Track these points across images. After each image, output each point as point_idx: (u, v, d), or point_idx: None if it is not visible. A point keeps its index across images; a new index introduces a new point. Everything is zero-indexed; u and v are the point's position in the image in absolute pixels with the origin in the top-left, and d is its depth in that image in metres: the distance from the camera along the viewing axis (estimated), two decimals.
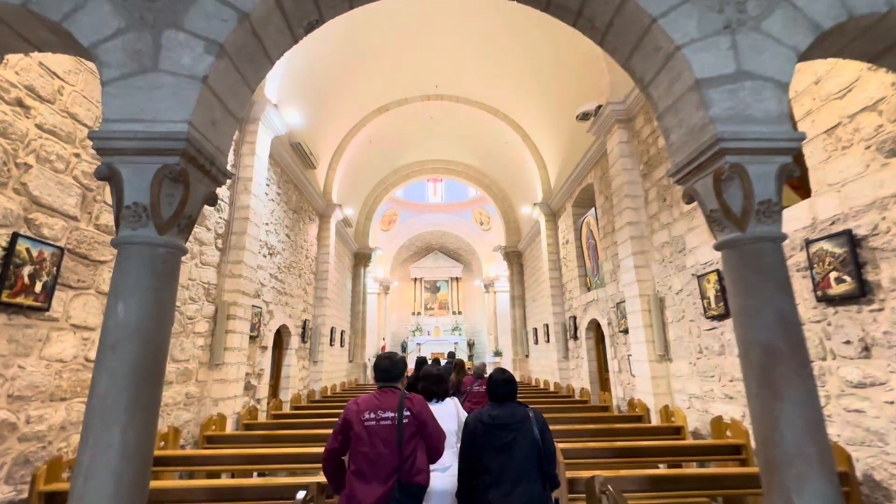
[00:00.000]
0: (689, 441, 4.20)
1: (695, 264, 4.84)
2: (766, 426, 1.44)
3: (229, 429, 5.19)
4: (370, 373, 15.79)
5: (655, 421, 5.31)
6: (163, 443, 3.83)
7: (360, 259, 14.37)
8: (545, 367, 11.40)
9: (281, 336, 8.20)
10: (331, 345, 10.87)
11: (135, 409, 1.32)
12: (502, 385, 2.42)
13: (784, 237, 1.56)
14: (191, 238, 4.86)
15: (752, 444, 3.84)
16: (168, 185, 1.49)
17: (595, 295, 7.96)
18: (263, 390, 6.85)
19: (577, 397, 8.18)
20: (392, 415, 2.25)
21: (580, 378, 8.77)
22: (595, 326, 8.32)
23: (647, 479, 2.71)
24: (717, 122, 1.60)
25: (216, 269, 5.48)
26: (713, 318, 4.51)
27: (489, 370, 3.77)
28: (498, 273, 20.66)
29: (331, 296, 10.57)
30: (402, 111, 11.45)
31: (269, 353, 7.08)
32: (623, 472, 2.79)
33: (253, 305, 6.35)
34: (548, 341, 10.82)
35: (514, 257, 14.41)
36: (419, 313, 23.15)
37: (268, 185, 7.20)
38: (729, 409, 4.29)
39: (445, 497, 2.51)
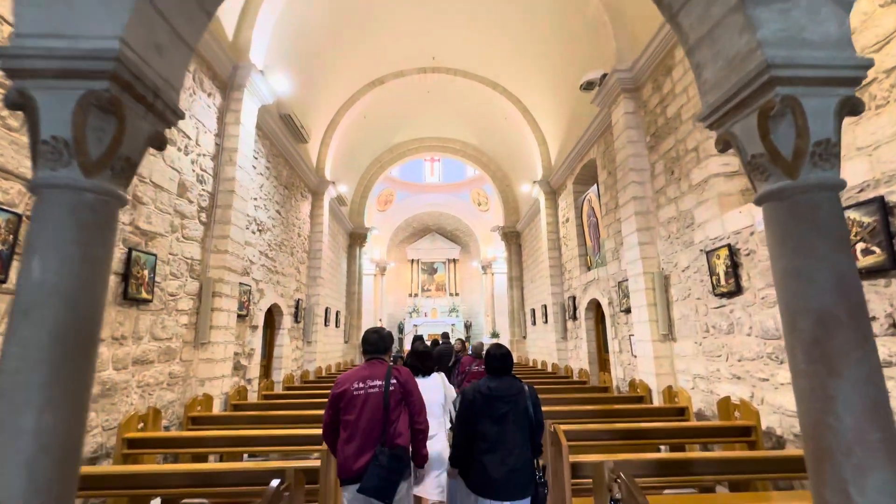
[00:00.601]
0: (696, 422, 4.03)
1: (703, 240, 4.60)
2: (816, 408, 1.21)
3: (216, 409, 5.00)
4: None
5: (657, 402, 5.15)
6: (141, 424, 3.62)
7: (356, 239, 14.09)
8: (543, 348, 11.28)
9: (273, 315, 7.98)
10: (325, 325, 10.68)
11: (54, 389, 1.08)
12: (499, 360, 2.56)
13: (843, 184, 1.30)
14: (170, 210, 4.58)
15: (763, 425, 3.68)
16: (96, 116, 1.21)
17: (595, 274, 7.75)
18: (254, 370, 6.66)
19: (575, 378, 8.05)
20: (380, 383, 2.41)
21: (579, 359, 8.63)
22: (595, 306, 8.13)
23: (656, 463, 2.52)
24: (765, 47, 1.32)
25: (200, 245, 5.21)
26: (722, 295, 4.29)
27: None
28: (496, 254, 20.44)
29: (325, 275, 10.33)
30: (397, 85, 11.01)
31: (259, 332, 6.87)
32: (631, 456, 2.59)
33: (241, 283, 6.10)
34: (546, 322, 10.67)
35: (513, 237, 14.16)
36: (416, 295, 23.00)
37: (256, 158, 6.87)
38: (736, 389, 4.11)
39: (431, 462, 2.64)
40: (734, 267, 4.09)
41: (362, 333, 11.05)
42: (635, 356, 6.12)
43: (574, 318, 8.89)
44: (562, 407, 4.80)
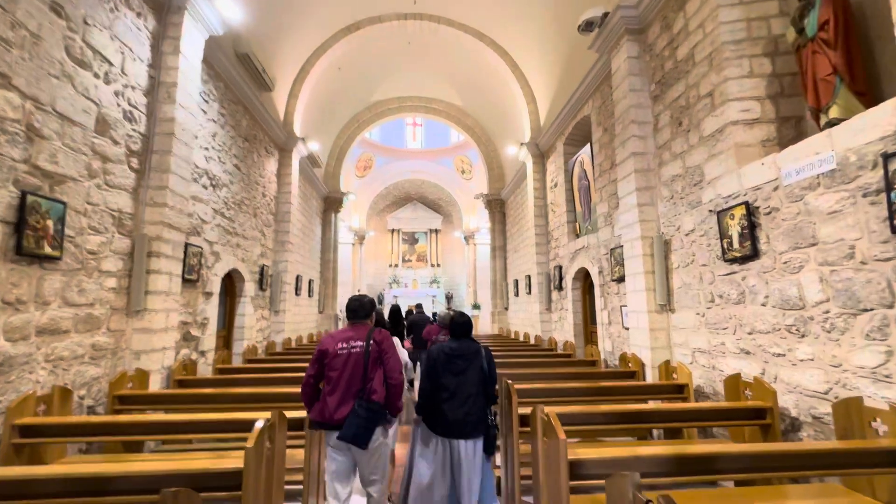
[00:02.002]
0: (701, 404, 3.55)
1: (714, 198, 4.05)
2: None
3: (156, 386, 4.35)
4: (342, 325, 15.14)
5: (651, 378, 4.72)
6: (43, 407, 2.95)
7: (331, 204, 13.24)
8: (525, 319, 10.89)
9: (233, 282, 7.25)
10: (296, 294, 10.00)
11: None
12: (461, 326, 3.08)
13: None
14: (86, 150, 3.76)
15: (781, 405, 3.25)
16: None
17: (585, 241, 7.22)
18: (209, 341, 5.99)
19: (560, 351, 7.65)
20: (361, 343, 2.69)
21: (564, 331, 8.22)
22: (583, 276, 7.65)
23: (675, 459, 2.01)
24: None
25: (132, 195, 4.41)
26: (734, 260, 3.78)
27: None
28: (479, 225, 19.85)
29: (294, 240, 9.56)
30: (375, 32, 9.97)
31: (215, 300, 6.16)
32: (642, 451, 2.08)
33: (190, 244, 5.35)
34: (529, 293, 10.22)
35: (497, 205, 13.54)
36: (396, 265, 22.38)
37: (207, 102, 5.97)
38: (744, 365, 3.67)
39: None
40: (751, 228, 3.56)
41: (338, 303, 10.52)
42: (627, 328, 5.68)
43: (560, 288, 8.43)
44: (546, 384, 4.32)
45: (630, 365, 5.06)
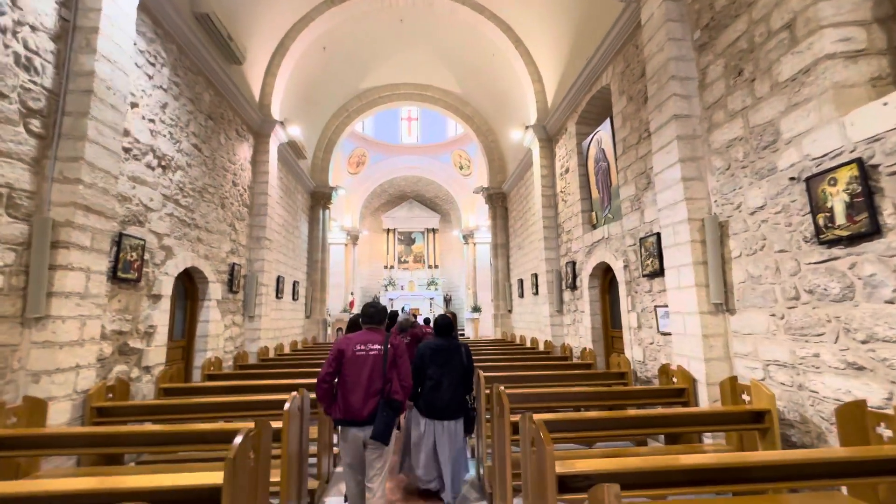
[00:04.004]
0: (839, 451, 2.39)
1: (800, 161, 3.04)
2: None
3: (61, 419, 3.30)
4: (332, 331, 14.07)
5: (705, 397, 3.70)
6: None
7: (319, 199, 12.21)
8: (532, 322, 9.86)
9: (194, 283, 6.21)
10: (278, 297, 8.96)
11: None
12: (443, 326, 3.79)
13: None
14: None
15: None
16: None
17: (605, 232, 6.21)
18: (157, 355, 4.94)
19: (576, 360, 6.63)
20: (379, 347, 3.04)
21: (579, 336, 7.19)
22: (602, 272, 6.63)
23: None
24: None
25: (30, 168, 3.38)
26: (835, 242, 2.77)
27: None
28: (478, 223, 18.84)
29: (274, 236, 8.52)
30: (363, 5, 8.99)
31: (165, 304, 5.11)
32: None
33: (126, 234, 4.32)
34: (536, 293, 9.20)
35: (498, 200, 12.53)
36: (392, 267, 21.33)
37: (152, 65, 4.94)
38: (854, 386, 2.65)
39: None
40: (868, 195, 2.55)
41: (328, 307, 9.63)
42: (664, 334, 4.66)
43: (573, 287, 7.40)
44: (563, 409, 3.31)
45: (674, 380, 4.04)
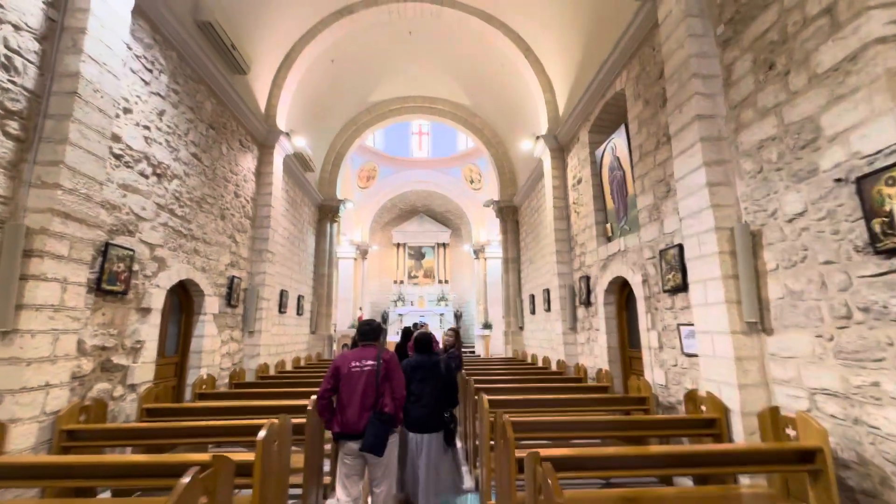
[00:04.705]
0: None
1: (847, 160, 2.67)
2: None
3: (24, 444, 3.02)
4: (337, 347, 13.74)
5: (740, 429, 3.25)
6: None
7: (326, 213, 12.05)
8: (544, 341, 9.41)
9: (190, 296, 5.98)
10: (281, 312, 8.71)
11: None
12: (423, 343, 3.87)
13: None
14: None
15: None
16: None
17: (621, 244, 5.83)
18: (145, 372, 4.68)
19: (591, 382, 6.19)
20: (372, 363, 3.19)
21: (593, 355, 6.74)
22: (619, 288, 6.22)
23: None
24: None
25: (6, 172, 3.19)
26: (894, 252, 2.38)
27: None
28: (489, 238, 18.50)
29: (277, 249, 8.32)
30: (371, 18, 8.92)
31: (155, 318, 4.87)
32: None
33: (113, 244, 4.12)
34: (548, 310, 8.78)
35: (509, 213, 12.21)
36: (402, 282, 21.02)
37: (149, 71, 4.82)
38: None
39: None
40: None
41: (334, 323, 9.54)
42: (689, 355, 4.23)
43: (588, 303, 6.99)
44: (577, 440, 2.90)
45: (703, 408, 3.60)
